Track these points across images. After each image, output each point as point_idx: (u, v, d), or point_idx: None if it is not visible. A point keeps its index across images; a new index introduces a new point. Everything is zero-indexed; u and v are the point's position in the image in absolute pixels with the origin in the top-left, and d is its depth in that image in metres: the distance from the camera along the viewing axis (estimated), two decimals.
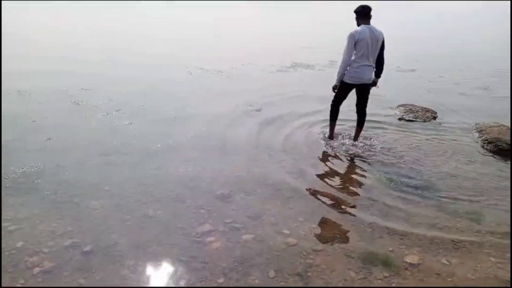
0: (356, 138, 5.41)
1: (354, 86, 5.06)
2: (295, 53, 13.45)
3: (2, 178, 3.95)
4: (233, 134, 5.56)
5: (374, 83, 5.12)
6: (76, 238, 3.13)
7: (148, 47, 13.59)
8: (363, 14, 4.81)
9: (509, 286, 2.96)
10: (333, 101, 5.32)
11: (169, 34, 17.72)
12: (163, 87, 7.75)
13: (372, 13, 4.83)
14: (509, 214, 3.90)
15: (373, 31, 4.78)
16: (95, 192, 3.83)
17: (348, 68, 4.94)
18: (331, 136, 5.48)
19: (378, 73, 5.08)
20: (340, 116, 5.41)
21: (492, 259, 3.21)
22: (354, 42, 4.76)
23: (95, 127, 5.58)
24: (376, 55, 4.90)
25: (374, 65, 4.96)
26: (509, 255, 3.27)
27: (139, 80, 8.25)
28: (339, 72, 4.98)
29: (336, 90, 5.17)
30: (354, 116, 5.39)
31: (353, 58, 4.88)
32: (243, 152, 5.01)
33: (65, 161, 4.42)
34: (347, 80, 5.00)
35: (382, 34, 4.83)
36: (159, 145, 5.05)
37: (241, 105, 6.87)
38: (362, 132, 5.44)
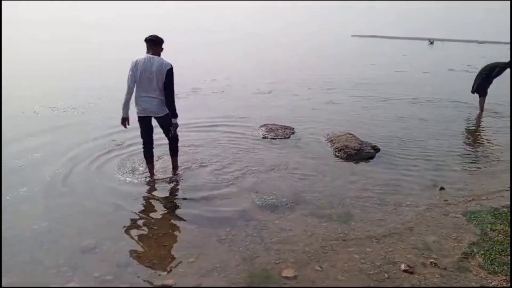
0: (174, 168, 5.21)
1: (146, 118, 4.76)
2: None
3: None
4: (95, 174, 5.10)
5: (171, 124, 4.78)
6: None
7: None
8: (146, 42, 4.59)
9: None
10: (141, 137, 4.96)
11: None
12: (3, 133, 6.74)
13: (161, 45, 4.62)
14: (362, 211, 4.40)
15: (149, 62, 4.50)
16: None
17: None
18: (151, 175, 5.03)
19: (170, 112, 4.70)
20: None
21: (356, 256, 3.56)
22: (133, 69, 4.54)
23: None
24: (159, 88, 4.57)
25: (160, 97, 4.63)
26: (368, 249, 3.67)
27: None
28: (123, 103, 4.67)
29: (127, 124, 4.78)
30: None
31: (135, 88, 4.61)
32: (108, 193, 4.63)
33: None
34: (137, 112, 4.73)
35: (165, 67, 4.49)
36: (8, 198, 4.38)
37: (102, 141, 6.38)
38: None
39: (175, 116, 4.78)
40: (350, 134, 6.79)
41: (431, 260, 3.51)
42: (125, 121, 4.77)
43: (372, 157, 6.12)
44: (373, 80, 13.97)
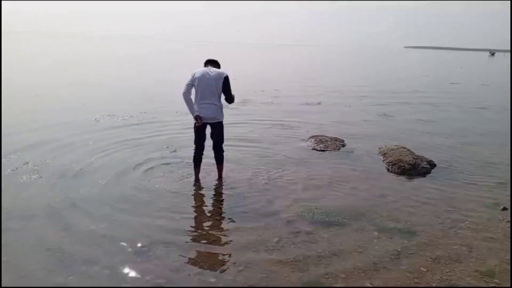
0: (219, 176, 5.38)
1: (202, 125, 5.01)
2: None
3: None
4: (149, 182, 5.28)
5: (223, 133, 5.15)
6: None
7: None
8: (205, 62, 5.28)
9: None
10: (194, 143, 5.26)
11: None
12: (66, 139, 7.20)
13: (212, 62, 5.22)
14: (417, 228, 4.20)
15: (208, 72, 4.96)
16: None
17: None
18: (196, 179, 5.32)
19: None
20: None
21: (409, 275, 3.39)
22: (192, 79, 4.94)
23: None
24: (218, 94, 4.98)
25: (217, 104, 4.99)
26: (423, 268, 3.49)
27: (37, 128, 7.61)
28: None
29: (200, 120, 5.00)
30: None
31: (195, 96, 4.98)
32: (162, 201, 4.76)
33: None
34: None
35: (222, 74, 4.96)
36: (68, 198, 4.65)
37: (156, 150, 6.63)
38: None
39: None
40: (404, 147, 6.55)
41: (493, 285, 3.27)
42: (197, 118, 4.94)
43: (428, 173, 5.85)
44: (426, 93, 13.50)
